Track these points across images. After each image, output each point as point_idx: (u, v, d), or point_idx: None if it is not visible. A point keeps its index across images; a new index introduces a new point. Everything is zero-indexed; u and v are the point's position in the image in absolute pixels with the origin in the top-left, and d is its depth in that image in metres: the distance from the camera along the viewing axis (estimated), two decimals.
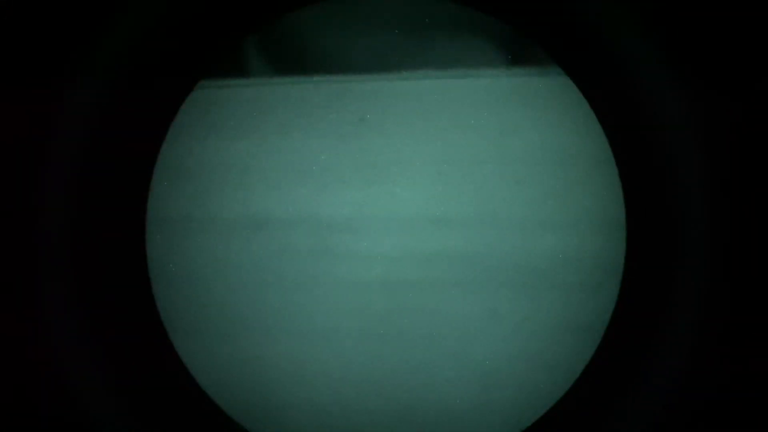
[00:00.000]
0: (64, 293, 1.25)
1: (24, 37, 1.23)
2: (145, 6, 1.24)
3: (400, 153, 1.35)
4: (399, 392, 1.32)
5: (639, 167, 1.25)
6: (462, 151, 1.34)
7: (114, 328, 1.26)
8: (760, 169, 1.21)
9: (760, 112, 1.21)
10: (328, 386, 1.31)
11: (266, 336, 1.33)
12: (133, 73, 1.25)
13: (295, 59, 1.38)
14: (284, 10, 1.31)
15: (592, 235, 1.32)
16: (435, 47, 1.36)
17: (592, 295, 1.31)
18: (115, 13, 1.23)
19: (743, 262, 1.22)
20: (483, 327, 1.32)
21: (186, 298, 1.33)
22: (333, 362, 1.32)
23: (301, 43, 1.39)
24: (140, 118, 1.26)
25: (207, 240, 1.35)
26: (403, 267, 1.33)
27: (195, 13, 1.26)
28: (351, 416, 1.31)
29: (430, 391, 1.31)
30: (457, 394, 1.31)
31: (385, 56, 1.37)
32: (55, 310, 1.25)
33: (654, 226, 1.25)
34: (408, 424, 1.32)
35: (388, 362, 1.32)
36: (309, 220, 1.34)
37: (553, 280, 1.32)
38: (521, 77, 1.35)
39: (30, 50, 1.23)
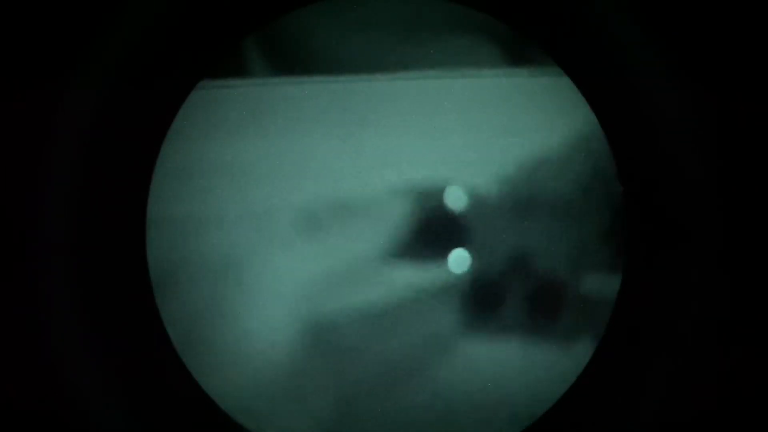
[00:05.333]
0: (64, 293, 1.25)
1: (24, 37, 1.23)
2: (145, 6, 1.24)
3: (400, 153, 1.35)
4: (399, 391, 1.32)
5: (639, 167, 1.25)
6: (462, 151, 1.34)
7: (114, 328, 1.26)
8: (761, 169, 1.21)
9: (760, 112, 1.21)
10: (327, 385, 1.31)
11: (266, 335, 1.33)
12: (133, 73, 1.25)
13: (295, 59, 1.38)
14: (284, 10, 1.31)
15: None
16: (435, 47, 1.36)
17: (591, 296, 1.31)
18: (116, 13, 1.23)
19: (745, 262, 1.22)
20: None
21: (186, 298, 1.33)
22: (333, 361, 1.32)
23: (301, 43, 1.39)
24: (140, 118, 1.26)
25: (207, 240, 1.35)
26: (402, 266, 1.33)
27: (195, 13, 1.26)
28: (351, 415, 1.31)
29: (430, 390, 1.32)
30: (457, 394, 1.31)
31: (385, 56, 1.37)
32: (56, 310, 1.25)
33: (654, 226, 1.25)
34: (408, 424, 1.32)
35: (388, 361, 1.32)
36: (308, 220, 1.34)
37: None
38: (521, 77, 1.35)
39: (30, 50, 1.23)
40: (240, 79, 1.38)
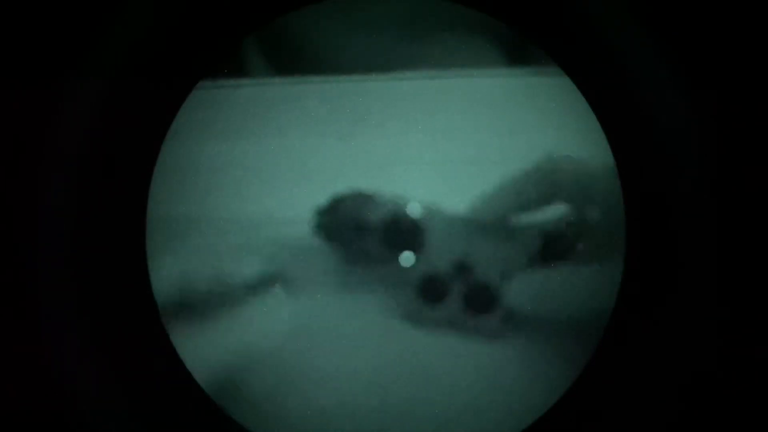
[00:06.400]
0: (64, 293, 1.25)
1: (25, 36, 1.23)
2: (145, 6, 1.24)
3: (400, 153, 1.35)
4: (399, 391, 1.32)
5: (639, 167, 1.25)
6: (462, 151, 1.34)
7: (114, 327, 1.26)
8: (760, 167, 1.21)
9: (760, 111, 1.21)
10: (327, 385, 1.31)
11: (266, 335, 1.33)
12: (134, 73, 1.25)
13: (295, 59, 1.39)
14: (284, 10, 1.31)
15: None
16: (435, 47, 1.36)
17: (591, 295, 1.31)
18: (116, 13, 1.23)
19: (744, 262, 1.22)
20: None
21: (185, 298, 1.33)
22: (333, 361, 1.32)
23: (301, 43, 1.39)
24: (140, 118, 1.26)
25: (206, 240, 1.35)
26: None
27: (195, 13, 1.26)
28: (351, 415, 1.31)
29: (430, 390, 1.32)
30: (458, 394, 1.32)
31: (385, 56, 1.37)
32: (56, 310, 1.25)
33: (653, 225, 1.25)
34: (408, 424, 1.32)
35: (388, 362, 1.32)
36: (308, 220, 1.34)
37: (553, 280, 1.32)
38: (521, 77, 1.35)
39: (30, 50, 1.23)
40: (240, 79, 1.38)
